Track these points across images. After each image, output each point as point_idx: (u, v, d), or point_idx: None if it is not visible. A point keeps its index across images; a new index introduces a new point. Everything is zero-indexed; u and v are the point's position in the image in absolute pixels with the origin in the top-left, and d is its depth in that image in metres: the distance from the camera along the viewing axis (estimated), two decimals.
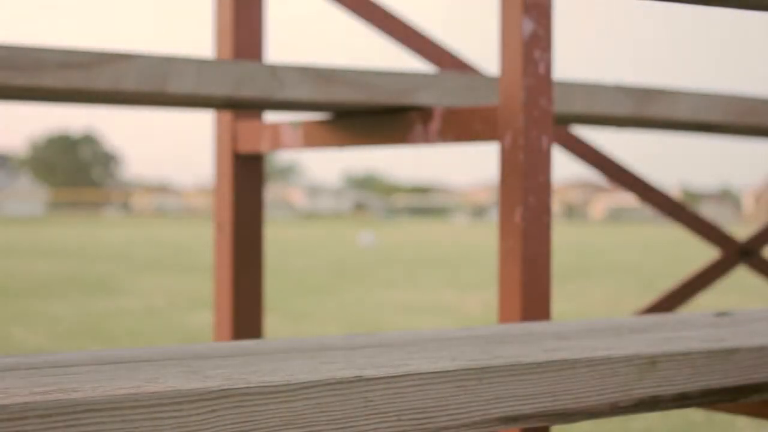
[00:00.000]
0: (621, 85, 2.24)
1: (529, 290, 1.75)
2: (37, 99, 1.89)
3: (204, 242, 19.35)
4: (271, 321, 6.38)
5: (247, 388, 0.95)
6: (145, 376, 0.99)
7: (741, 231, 26.61)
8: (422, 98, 2.02)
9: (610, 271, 11.68)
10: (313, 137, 2.20)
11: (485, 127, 1.86)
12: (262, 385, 0.96)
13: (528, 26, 1.73)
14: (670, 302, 2.72)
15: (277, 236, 23.69)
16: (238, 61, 1.90)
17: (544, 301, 1.77)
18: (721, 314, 1.61)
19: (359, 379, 1.01)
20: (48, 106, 1.98)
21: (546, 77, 1.75)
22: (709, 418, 3.73)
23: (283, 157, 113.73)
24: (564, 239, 23.22)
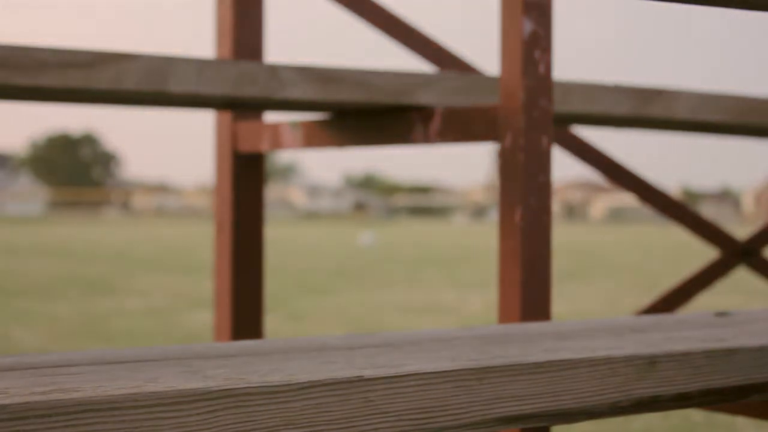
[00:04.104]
0: (621, 85, 2.24)
1: (529, 290, 1.75)
2: (38, 99, 1.89)
3: (204, 242, 19.34)
4: (271, 321, 6.38)
5: (247, 388, 0.95)
6: (145, 376, 0.99)
7: (741, 231, 26.61)
8: (422, 98, 2.02)
9: (610, 271, 11.68)
10: (313, 137, 2.20)
11: (485, 127, 1.86)
12: (262, 385, 0.96)
13: (528, 26, 1.73)
14: (670, 302, 2.72)
15: (277, 236, 23.69)
16: (239, 61, 1.90)
17: (544, 302, 1.77)
18: (721, 314, 1.61)
19: (359, 380, 1.01)
20: (48, 105, 1.99)
21: (546, 77, 1.75)
22: (709, 418, 3.73)
23: (284, 156, 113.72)
24: (564, 239, 23.22)
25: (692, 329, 1.43)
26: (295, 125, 2.23)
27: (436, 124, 1.97)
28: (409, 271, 11.47)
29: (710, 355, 1.25)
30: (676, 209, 2.71)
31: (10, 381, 0.96)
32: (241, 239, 2.31)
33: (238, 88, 1.90)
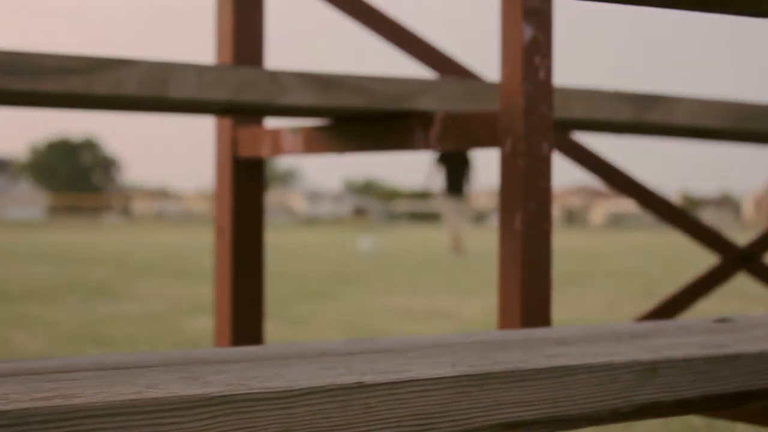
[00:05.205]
0: (620, 91, 2.24)
1: (529, 296, 1.75)
2: (38, 104, 1.89)
3: (204, 247, 19.35)
4: (271, 326, 6.37)
5: (248, 394, 0.95)
6: (146, 382, 0.99)
7: (741, 237, 26.62)
8: (422, 104, 2.02)
9: (610, 277, 11.68)
10: (313, 143, 2.20)
11: (485, 132, 1.86)
12: (262, 391, 0.96)
13: (528, 32, 1.73)
14: (670, 308, 2.72)
15: (277, 241, 23.69)
16: (239, 67, 1.90)
17: (544, 307, 1.77)
18: (722, 320, 1.61)
19: (360, 385, 1.01)
20: (48, 111, 1.99)
21: (546, 83, 1.75)
22: (709, 424, 3.73)
23: (284, 162, 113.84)
24: (564, 245, 23.24)
25: (693, 335, 1.43)
26: (295, 131, 2.23)
27: (436, 129, 1.97)
28: (409, 276, 11.47)
29: (711, 361, 1.25)
30: (676, 215, 2.71)
31: (10, 386, 0.96)
32: (241, 244, 2.31)
33: (238, 93, 1.90)
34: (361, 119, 2.12)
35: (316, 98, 1.95)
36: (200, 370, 1.07)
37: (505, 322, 1.76)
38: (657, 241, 28.28)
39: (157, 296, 8.56)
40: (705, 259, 16.00)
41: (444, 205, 17.65)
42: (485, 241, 25.61)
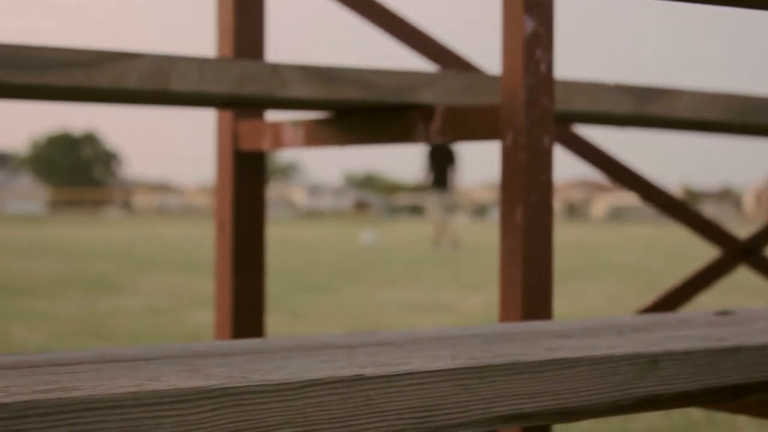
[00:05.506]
0: (622, 84, 2.24)
1: (530, 289, 1.75)
2: (40, 98, 1.89)
3: (205, 241, 19.36)
4: (272, 320, 6.38)
5: (248, 386, 0.95)
6: (146, 375, 0.99)
7: (742, 230, 26.63)
8: (423, 97, 2.02)
9: (611, 270, 11.68)
10: (314, 136, 2.20)
11: (486, 126, 1.86)
12: (262, 383, 0.96)
13: (529, 25, 1.73)
14: (671, 301, 2.72)
15: (278, 235, 23.70)
16: (240, 60, 1.90)
17: (545, 301, 1.77)
18: (723, 313, 1.61)
19: (360, 378, 1.01)
20: (49, 104, 1.99)
21: (547, 76, 1.75)
22: (710, 417, 3.73)
23: (284, 155, 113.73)
24: (565, 238, 23.24)
25: (693, 328, 1.43)
26: (296, 124, 2.23)
27: (437, 123, 1.97)
28: (410, 269, 11.47)
29: (711, 353, 1.25)
30: (678, 208, 2.71)
31: (11, 379, 0.96)
32: (242, 238, 2.31)
33: (240, 86, 1.90)
34: (362, 112, 2.12)
35: (317, 91, 1.95)
36: (201, 363, 1.07)
37: (505, 316, 1.76)
38: (658, 234, 28.28)
39: (158, 290, 8.56)
40: (706, 253, 16.00)
41: (430, 199, 18.55)
42: (486, 235, 25.61)
